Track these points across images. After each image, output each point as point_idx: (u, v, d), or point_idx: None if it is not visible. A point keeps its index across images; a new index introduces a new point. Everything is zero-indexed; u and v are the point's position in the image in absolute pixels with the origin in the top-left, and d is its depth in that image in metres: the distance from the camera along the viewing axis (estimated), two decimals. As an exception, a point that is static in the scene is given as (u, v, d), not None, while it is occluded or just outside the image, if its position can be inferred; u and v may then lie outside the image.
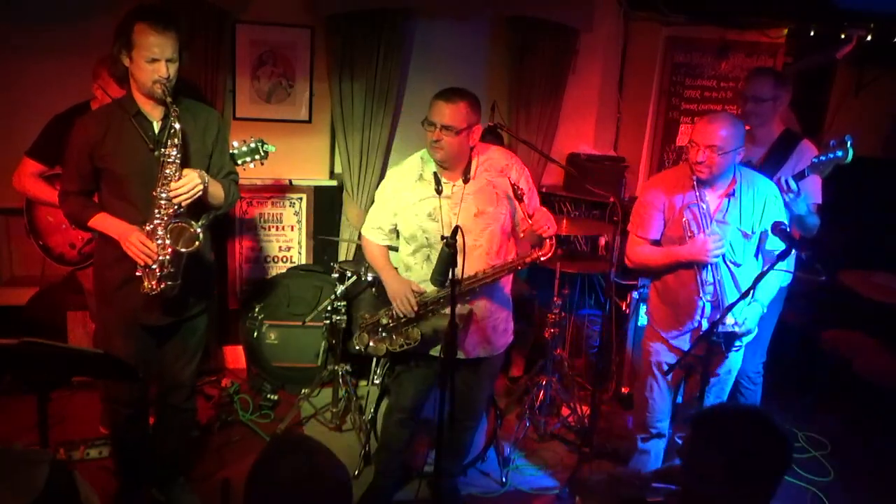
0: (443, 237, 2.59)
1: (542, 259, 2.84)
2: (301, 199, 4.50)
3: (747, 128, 3.59)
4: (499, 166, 2.90)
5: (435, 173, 2.83)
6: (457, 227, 2.55)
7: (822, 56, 4.86)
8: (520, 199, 2.71)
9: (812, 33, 4.72)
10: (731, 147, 2.86)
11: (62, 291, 3.95)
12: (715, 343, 2.99)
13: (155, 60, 2.54)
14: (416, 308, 2.85)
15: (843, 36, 4.61)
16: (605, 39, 4.96)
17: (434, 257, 2.83)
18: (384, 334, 2.96)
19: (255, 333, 4.26)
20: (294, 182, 4.49)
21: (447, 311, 2.82)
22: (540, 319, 4.27)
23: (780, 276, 3.11)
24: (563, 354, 4.19)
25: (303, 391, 4.06)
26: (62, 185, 2.79)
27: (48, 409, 2.33)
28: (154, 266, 2.61)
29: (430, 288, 2.86)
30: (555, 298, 4.01)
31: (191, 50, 3.85)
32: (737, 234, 2.98)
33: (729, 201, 2.98)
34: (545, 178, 4.96)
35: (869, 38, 4.58)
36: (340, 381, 3.94)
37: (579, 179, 4.32)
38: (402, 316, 2.89)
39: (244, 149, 3.44)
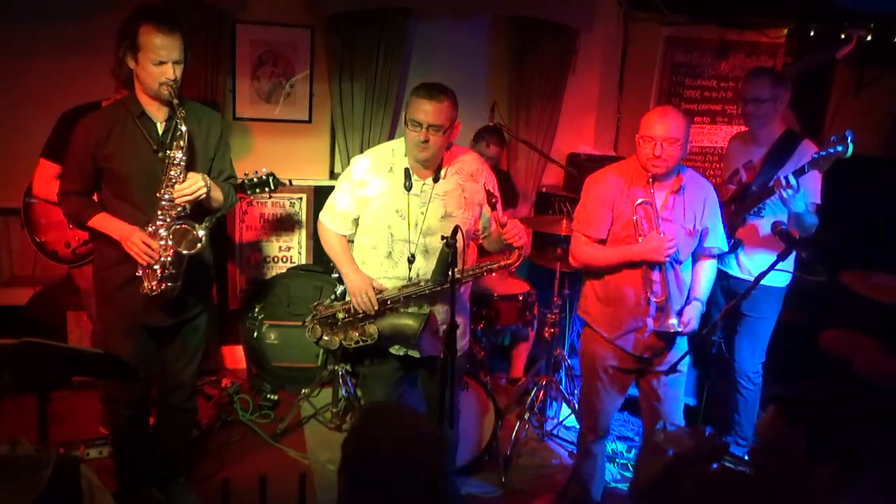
0: (443, 237, 2.58)
1: (509, 268, 2.85)
2: (301, 199, 4.50)
3: (747, 129, 3.60)
4: (470, 170, 2.86)
5: (406, 169, 2.75)
6: (456, 228, 2.54)
7: (822, 56, 4.86)
8: (493, 206, 2.66)
9: (812, 33, 4.72)
10: (684, 137, 2.82)
11: (62, 291, 3.95)
12: (663, 347, 3.00)
13: (162, 63, 2.53)
14: (376, 306, 2.78)
15: (843, 36, 4.61)
16: (605, 39, 4.96)
17: (396, 254, 2.80)
18: (338, 328, 2.89)
19: (255, 333, 4.26)
20: (294, 182, 4.48)
21: (409, 309, 2.82)
22: (540, 319, 4.27)
23: (714, 275, 3.09)
24: (563, 354, 4.19)
25: (303, 391, 4.06)
26: (62, 185, 2.78)
27: (48, 408, 2.33)
28: (155, 267, 2.61)
29: (389, 284, 2.82)
30: (555, 298, 4.01)
31: (191, 50, 3.87)
32: (681, 231, 2.93)
33: (675, 198, 2.92)
34: (545, 178, 4.96)
35: (869, 38, 4.58)
36: (340, 381, 3.94)
37: (579, 179, 4.32)
38: (359, 312, 2.83)
39: (255, 180, 3.43)
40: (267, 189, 3.47)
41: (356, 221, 2.88)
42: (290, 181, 4.45)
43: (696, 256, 3.06)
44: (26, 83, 3.94)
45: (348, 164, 4.32)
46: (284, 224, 4.51)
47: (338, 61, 4.21)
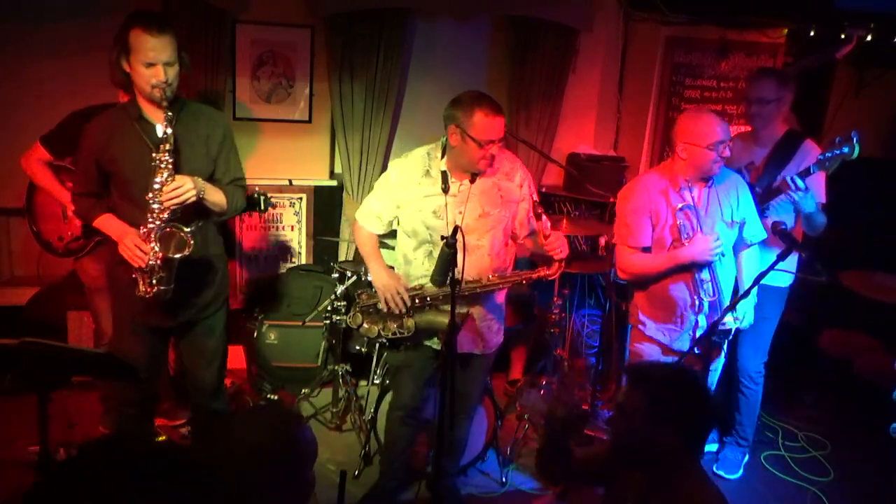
0: (443, 237, 2.59)
1: (548, 278, 2.87)
2: (301, 199, 4.50)
3: (749, 129, 3.60)
4: (505, 169, 2.89)
5: (444, 172, 2.79)
6: (457, 227, 2.54)
7: (822, 56, 4.85)
8: (539, 216, 2.71)
9: (812, 33, 4.71)
10: None
11: (62, 291, 3.95)
12: (716, 343, 3.00)
13: (152, 65, 2.54)
14: (406, 306, 2.85)
15: (843, 36, 4.60)
16: (605, 39, 4.96)
17: (437, 254, 2.82)
18: (378, 317, 2.96)
19: (255, 333, 4.26)
20: (294, 182, 4.49)
21: (445, 307, 2.82)
22: (540, 319, 4.26)
23: (761, 263, 3.10)
24: (563, 354, 4.19)
25: (303, 391, 4.06)
26: (74, 186, 2.84)
27: (48, 408, 2.33)
28: (147, 270, 2.61)
29: (429, 282, 2.86)
30: (555, 298, 4.01)
31: (191, 50, 3.86)
32: (721, 224, 2.99)
33: (709, 192, 2.99)
34: (545, 178, 4.96)
35: (869, 38, 4.58)
36: (340, 381, 3.94)
37: (579, 179, 4.33)
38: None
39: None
40: (257, 209, 3.45)
41: (391, 223, 2.95)
42: (290, 181, 4.47)
43: (737, 249, 3.12)
44: (26, 83, 3.93)
45: (348, 164, 4.38)
46: (284, 224, 4.51)
47: (338, 61, 4.21)
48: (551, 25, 4.55)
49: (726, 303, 2.98)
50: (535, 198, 2.83)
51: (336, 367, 3.95)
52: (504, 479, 3.59)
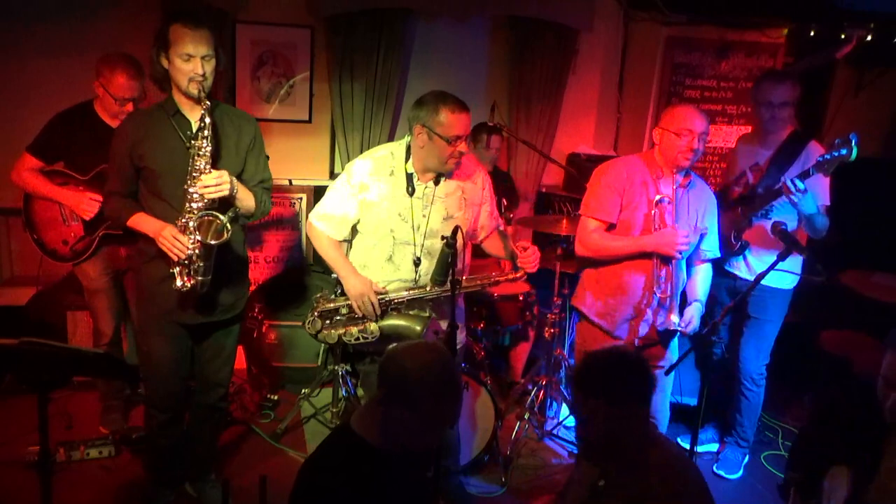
0: (443, 237, 2.58)
1: (515, 282, 2.90)
2: (301, 199, 4.51)
3: (750, 130, 3.60)
4: (467, 171, 2.87)
5: (410, 174, 2.76)
6: (457, 228, 2.54)
7: (822, 56, 4.86)
8: (509, 221, 2.73)
9: (812, 33, 4.72)
10: None
11: (62, 291, 3.95)
12: (657, 341, 3.03)
13: (190, 58, 2.58)
14: (378, 311, 2.79)
15: (843, 36, 4.61)
16: (605, 39, 4.97)
17: (398, 257, 2.81)
18: (339, 323, 2.88)
19: (255, 333, 4.26)
20: (294, 182, 4.49)
21: (409, 311, 2.82)
22: (540, 319, 4.27)
23: (710, 279, 3.16)
24: (563, 354, 4.19)
25: (303, 391, 4.06)
26: (107, 186, 2.83)
27: (48, 408, 2.33)
28: (185, 261, 2.63)
29: (391, 287, 2.83)
30: (555, 298, 4.01)
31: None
32: (688, 227, 2.98)
33: (683, 193, 2.99)
34: (545, 178, 4.97)
35: (869, 38, 4.58)
36: (340, 381, 3.94)
37: (579, 179, 4.32)
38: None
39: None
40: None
41: (354, 227, 2.87)
42: (290, 181, 4.47)
43: (691, 259, 3.11)
44: (24, 83, 3.94)
45: (348, 163, 4.37)
46: (285, 224, 4.51)
47: (338, 61, 4.21)
48: (551, 25, 4.56)
49: (677, 302, 2.98)
50: (483, 190, 2.83)
51: (336, 367, 3.94)
52: (504, 479, 3.59)
